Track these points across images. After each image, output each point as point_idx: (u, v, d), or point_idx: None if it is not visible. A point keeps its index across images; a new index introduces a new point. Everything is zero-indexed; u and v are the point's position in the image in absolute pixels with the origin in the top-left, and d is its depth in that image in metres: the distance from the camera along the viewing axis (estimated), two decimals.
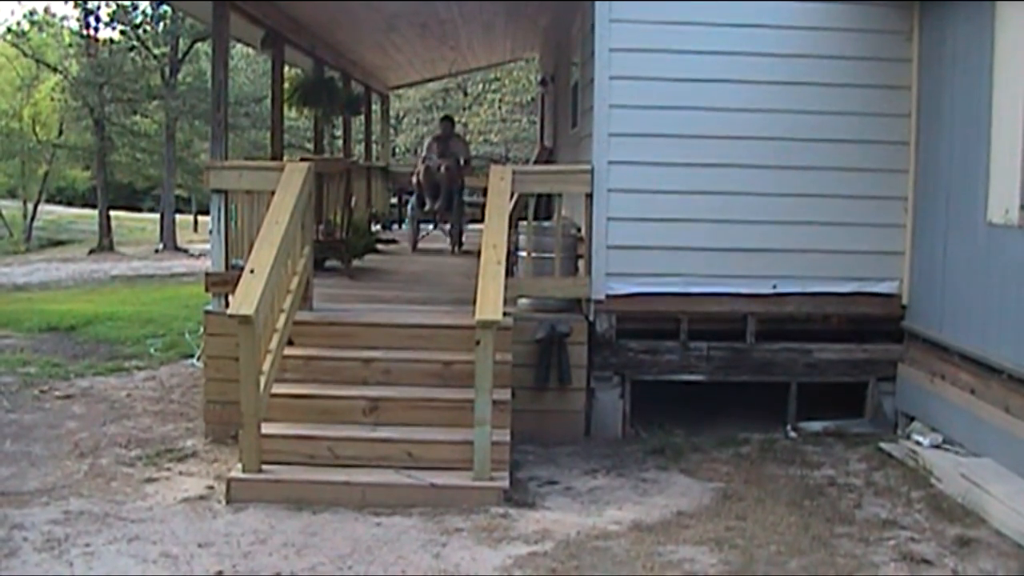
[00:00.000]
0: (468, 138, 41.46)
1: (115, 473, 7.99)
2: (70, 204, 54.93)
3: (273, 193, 8.43)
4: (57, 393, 10.67)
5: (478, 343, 7.29)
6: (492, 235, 8.13)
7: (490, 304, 7.37)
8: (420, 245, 14.94)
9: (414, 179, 15.18)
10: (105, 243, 37.51)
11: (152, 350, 13.13)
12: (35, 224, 44.05)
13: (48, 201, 50.35)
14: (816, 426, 9.04)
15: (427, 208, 14.91)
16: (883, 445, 8.50)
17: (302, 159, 10.12)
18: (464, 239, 14.67)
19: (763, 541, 6.56)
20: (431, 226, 15.66)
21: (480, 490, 7.29)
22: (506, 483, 7.38)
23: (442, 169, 14.71)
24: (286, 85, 14.20)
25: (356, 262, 12.18)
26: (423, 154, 15.35)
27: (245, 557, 6.30)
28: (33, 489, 7.59)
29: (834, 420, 9.11)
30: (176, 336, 13.86)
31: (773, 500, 7.34)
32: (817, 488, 7.63)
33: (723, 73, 8.93)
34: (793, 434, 8.97)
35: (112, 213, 39.85)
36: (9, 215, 45.02)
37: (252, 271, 7.59)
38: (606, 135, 8.99)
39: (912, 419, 8.72)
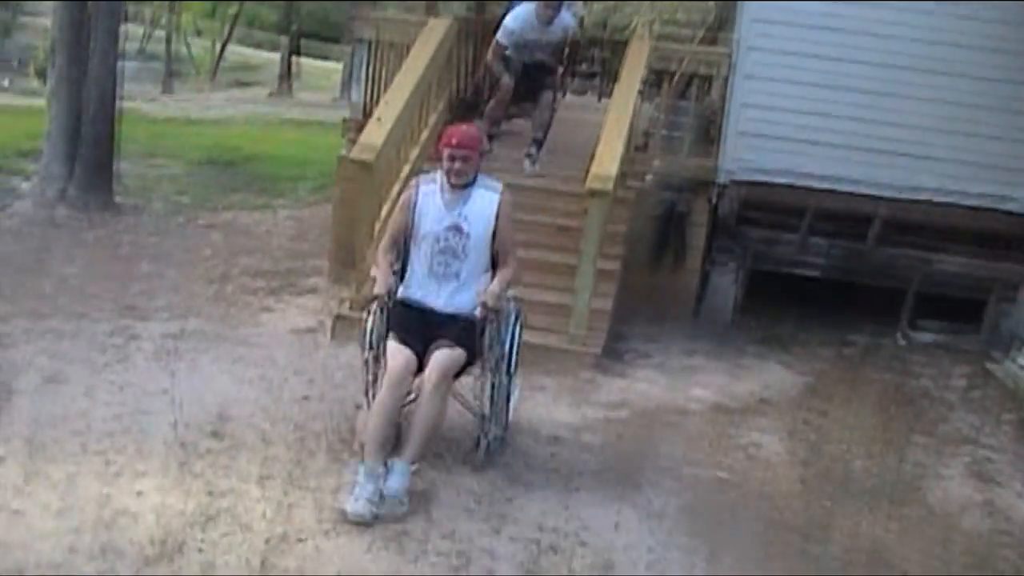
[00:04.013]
0: (652, 16, 40.64)
1: (236, 300, 8.39)
2: (258, 47, 56.04)
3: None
4: (201, 223, 11.16)
5: (587, 210, 7.41)
6: (618, 108, 8.18)
7: (603, 174, 7.45)
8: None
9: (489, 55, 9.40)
10: (285, 87, 38.25)
11: (301, 191, 13.53)
12: (221, 63, 45.12)
13: (237, 42, 51.51)
14: (927, 337, 8.94)
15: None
16: (989, 365, 8.37)
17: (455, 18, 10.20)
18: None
19: (836, 439, 6.60)
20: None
21: (572, 354, 7.44)
22: (599, 350, 7.52)
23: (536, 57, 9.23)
24: None
25: (503, 124, 12.25)
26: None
27: (334, 388, 6.60)
28: (158, 306, 8.04)
29: (948, 333, 8.98)
30: (327, 180, 14.21)
31: (860, 401, 7.34)
32: (909, 397, 7.61)
33: None
34: (903, 342, 8.89)
35: (299, 59, 40.56)
36: (197, 54, 46.20)
37: (379, 119, 7.80)
38: (749, 21, 8.87)
39: None
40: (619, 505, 5.50)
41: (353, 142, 9.18)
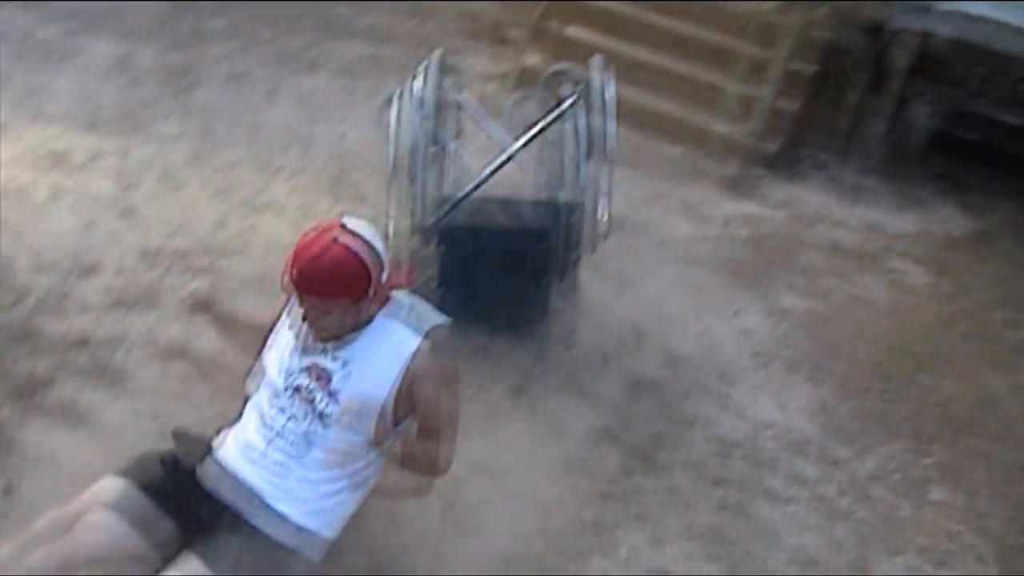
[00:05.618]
0: None
1: (433, 37, 8.26)
2: None
3: None
4: None
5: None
6: None
7: None
8: None
9: None
10: None
11: None
12: None
13: None
14: None
15: None
16: None
17: None
18: None
19: (984, 283, 6.41)
20: None
21: (746, 148, 7.36)
22: (773, 149, 7.42)
23: None
24: None
25: None
26: None
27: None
28: (356, 30, 8.05)
29: None
30: None
31: None
32: None
33: None
34: None
35: None
36: None
37: None
38: None
39: None
40: (738, 308, 5.53)
41: None
